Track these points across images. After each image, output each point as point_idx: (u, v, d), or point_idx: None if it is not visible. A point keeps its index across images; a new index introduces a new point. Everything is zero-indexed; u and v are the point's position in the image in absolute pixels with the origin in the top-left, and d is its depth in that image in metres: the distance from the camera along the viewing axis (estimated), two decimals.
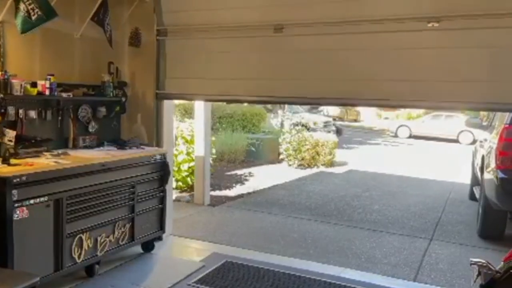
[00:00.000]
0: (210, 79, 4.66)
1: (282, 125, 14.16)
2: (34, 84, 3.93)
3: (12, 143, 3.68)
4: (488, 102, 3.69)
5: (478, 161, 6.73)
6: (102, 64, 4.78)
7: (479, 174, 6.49)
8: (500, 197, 5.27)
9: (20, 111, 3.85)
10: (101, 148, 4.49)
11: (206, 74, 4.67)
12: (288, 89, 4.36)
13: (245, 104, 18.75)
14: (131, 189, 4.23)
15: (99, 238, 3.89)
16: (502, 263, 2.28)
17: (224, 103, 19.98)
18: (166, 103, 5.03)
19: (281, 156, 11.78)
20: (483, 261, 2.27)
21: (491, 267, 2.24)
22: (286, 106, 16.46)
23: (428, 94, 3.83)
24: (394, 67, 3.90)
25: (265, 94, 4.54)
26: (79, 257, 3.70)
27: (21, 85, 3.77)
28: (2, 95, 3.65)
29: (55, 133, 4.25)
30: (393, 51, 3.87)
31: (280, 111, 15.35)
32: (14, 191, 3.13)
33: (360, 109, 30.98)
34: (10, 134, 3.71)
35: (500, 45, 3.52)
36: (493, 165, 5.45)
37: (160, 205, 4.62)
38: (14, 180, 3.14)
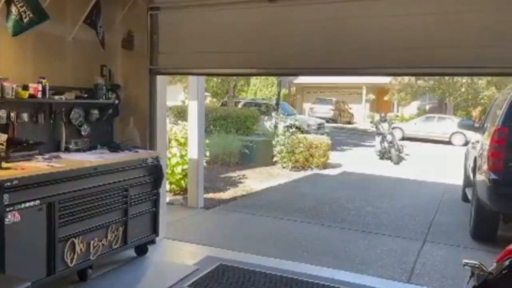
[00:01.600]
0: (206, 52, 4.60)
1: (276, 127, 14.14)
2: (25, 87, 3.90)
3: (4, 147, 3.65)
4: None
5: (471, 163, 6.77)
6: (94, 66, 4.75)
7: (471, 175, 6.53)
8: (492, 198, 5.31)
9: (12, 114, 3.83)
10: (94, 151, 4.46)
11: (201, 47, 4.61)
12: (287, 60, 4.32)
13: (239, 106, 18.79)
14: (124, 193, 4.20)
15: (92, 242, 3.86)
16: (494, 264, 2.28)
17: (218, 105, 20.09)
18: (160, 104, 5.00)
19: (275, 158, 11.77)
20: (476, 262, 2.27)
21: (484, 268, 2.25)
22: (280, 108, 16.49)
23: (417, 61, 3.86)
24: (398, 35, 3.87)
25: (263, 66, 4.54)
26: (71, 261, 3.67)
27: (12, 88, 3.74)
28: None
29: (47, 136, 4.22)
30: (397, 18, 3.85)
31: (274, 113, 15.34)
32: (6, 195, 3.11)
33: (353, 111, 31.10)
34: (2, 137, 3.68)
35: None
36: (485, 166, 5.49)
37: (154, 208, 4.60)
38: (6, 184, 3.11)
